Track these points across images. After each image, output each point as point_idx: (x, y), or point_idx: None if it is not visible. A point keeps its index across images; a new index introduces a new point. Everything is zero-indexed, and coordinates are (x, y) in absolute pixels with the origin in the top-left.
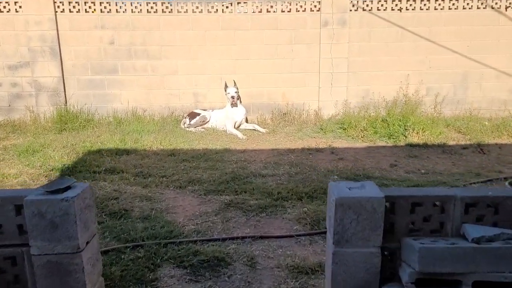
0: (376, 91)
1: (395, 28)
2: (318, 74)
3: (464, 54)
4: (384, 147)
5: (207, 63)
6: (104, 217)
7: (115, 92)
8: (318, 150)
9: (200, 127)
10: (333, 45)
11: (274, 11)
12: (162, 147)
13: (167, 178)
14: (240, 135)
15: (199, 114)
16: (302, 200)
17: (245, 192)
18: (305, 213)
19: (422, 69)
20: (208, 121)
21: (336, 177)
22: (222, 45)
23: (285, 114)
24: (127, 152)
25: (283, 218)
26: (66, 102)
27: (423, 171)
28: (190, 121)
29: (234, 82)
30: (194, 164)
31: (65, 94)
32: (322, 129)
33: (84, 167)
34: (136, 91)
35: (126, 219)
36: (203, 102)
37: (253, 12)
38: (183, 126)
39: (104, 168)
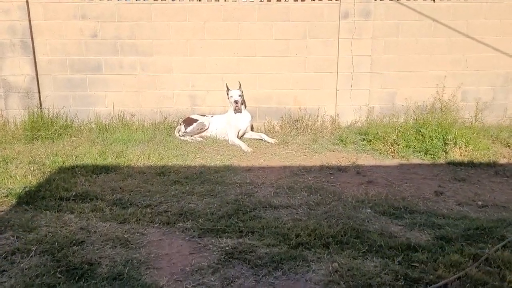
0: (404, 95)
1: (427, 21)
2: (336, 74)
3: (507, 52)
4: (420, 165)
5: (206, 60)
6: (59, 275)
7: (99, 93)
8: (340, 168)
9: (198, 135)
10: (354, 41)
11: (286, 0)
12: (150, 162)
13: (152, 208)
14: (244, 146)
15: (196, 121)
16: (329, 248)
17: (253, 233)
18: (337, 272)
19: (457, 70)
20: (206, 129)
21: (369, 210)
22: (224, 39)
23: (297, 121)
24: (107, 169)
25: (306, 281)
26: (40, 105)
27: (479, 202)
28: (185, 129)
29: (240, 84)
30: (187, 187)
31: (39, 96)
32: (341, 140)
33: (49, 192)
34: (123, 93)
35: (88, 280)
36: (201, 106)
37: (261, 1)
38: (177, 135)
39: (74, 193)
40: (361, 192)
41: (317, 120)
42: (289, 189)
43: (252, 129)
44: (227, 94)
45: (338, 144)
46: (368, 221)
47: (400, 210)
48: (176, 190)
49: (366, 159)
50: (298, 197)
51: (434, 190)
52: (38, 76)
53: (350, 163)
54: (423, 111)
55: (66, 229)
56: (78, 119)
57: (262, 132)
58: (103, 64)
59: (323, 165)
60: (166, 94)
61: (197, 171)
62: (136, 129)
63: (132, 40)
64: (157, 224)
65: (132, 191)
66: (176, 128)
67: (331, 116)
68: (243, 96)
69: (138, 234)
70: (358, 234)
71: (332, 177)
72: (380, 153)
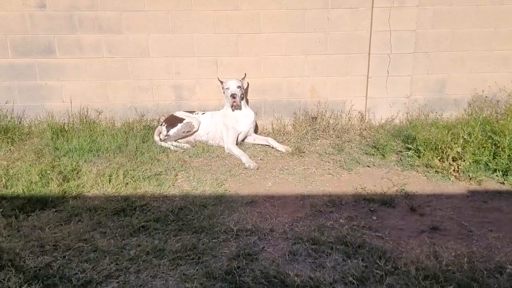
0: (457, 83)
1: None
2: (368, 56)
3: None
4: (500, 194)
5: (195, 39)
6: None
7: (52, 83)
8: (384, 200)
9: (184, 140)
10: (393, 10)
11: None
12: (110, 189)
13: None
14: (245, 159)
15: (182, 120)
16: None
17: None
18: None
19: None
20: (196, 131)
21: None
22: (217, 10)
23: (315, 118)
24: (45, 202)
25: None
26: None
27: None
28: (168, 131)
29: (245, 75)
30: (156, 241)
31: None
32: (377, 148)
33: None
34: (85, 83)
35: None
36: (189, 100)
37: None
38: (157, 139)
39: None
40: (424, 252)
41: (342, 117)
42: (312, 245)
43: (256, 130)
44: (222, 84)
45: (373, 154)
46: None
47: None
48: (138, 247)
49: (418, 182)
50: (329, 264)
51: None
52: None
53: (396, 189)
54: (483, 104)
55: None
56: (27, 117)
57: (269, 136)
58: (56, 45)
59: (358, 193)
60: (142, 84)
61: (175, 207)
62: (103, 131)
63: (93, 12)
64: None
65: (69, 250)
66: (156, 130)
67: (359, 112)
68: (243, 88)
69: None
70: None
71: (375, 218)
72: (436, 171)
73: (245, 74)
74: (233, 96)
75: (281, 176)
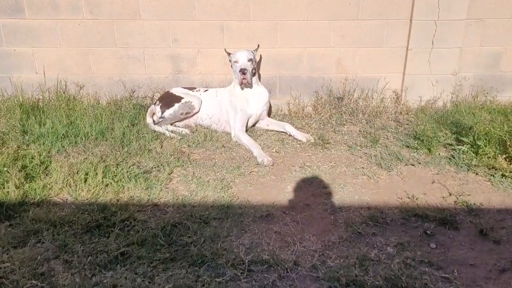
0: None
1: None
2: (409, 23)
3: None
4: None
5: None
6: None
7: (22, 50)
8: (442, 218)
9: (183, 123)
10: None
11: None
12: (85, 193)
13: None
14: (257, 152)
15: (179, 99)
16: None
17: None
18: None
19: None
20: (196, 112)
21: None
22: None
23: (342, 98)
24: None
25: None
26: None
27: None
28: (162, 112)
29: (258, 46)
30: (138, 279)
31: None
32: (420, 139)
33: None
34: (63, 50)
35: None
36: (188, 73)
37: None
38: (150, 121)
39: None
40: None
41: (373, 98)
42: None
43: (269, 113)
44: (230, 59)
45: (416, 148)
46: None
47: None
48: None
49: (481, 190)
50: None
51: None
52: None
53: (455, 201)
54: None
55: None
56: None
57: (284, 120)
58: (25, 2)
59: (405, 204)
60: (132, 53)
61: (167, 222)
62: (85, 110)
63: None
64: None
65: None
66: (149, 110)
67: (394, 91)
68: (255, 61)
69: None
70: None
71: (434, 246)
72: (503, 175)
73: (258, 45)
74: (242, 71)
75: (302, 176)
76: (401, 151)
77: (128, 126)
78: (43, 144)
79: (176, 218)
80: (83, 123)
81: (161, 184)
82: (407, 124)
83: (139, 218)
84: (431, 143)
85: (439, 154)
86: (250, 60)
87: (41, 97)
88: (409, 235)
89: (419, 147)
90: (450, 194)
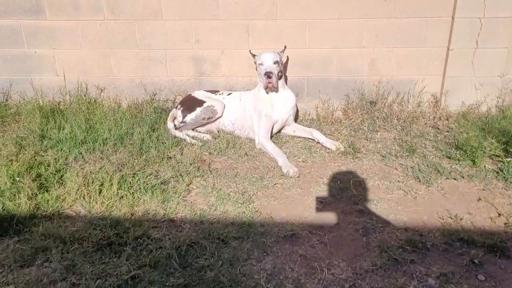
0: None
1: None
2: (450, 20)
3: None
4: None
5: None
6: None
7: (43, 52)
8: (490, 244)
9: (204, 129)
10: None
11: None
12: (99, 206)
13: None
14: (282, 161)
15: (201, 103)
16: None
17: None
18: None
19: None
20: (219, 117)
21: None
22: None
23: (375, 102)
24: (7, 224)
25: None
26: None
27: None
28: (184, 117)
29: (284, 48)
30: None
31: None
32: (461, 149)
33: None
34: (84, 52)
35: None
36: (211, 75)
37: None
38: (171, 126)
39: None
40: None
41: (409, 102)
42: None
43: (296, 118)
44: (255, 61)
45: (458, 159)
46: None
47: None
48: None
49: None
50: None
51: None
52: None
53: (505, 223)
54: None
55: None
56: (15, 93)
57: (312, 126)
58: (46, 2)
59: (447, 226)
60: (153, 55)
61: (182, 241)
62: (105, 114)
63: None
64: None
65: None
66: (170, 114)
67: (433, 95)
68: (282, 64)
69: None
70: None
71: (483, 279)
72: None
73: (285, 46)
74: (267, 75)
75: (331, 190)
76: (441, 163)
77: (147, 132)
78: (61, 150)
79: (193, 237)
80: (102, 128)
81: (178, 197)
82: (448, 132)
83: (153, 236)
84: (476, 154)
85: (485, 166)
86: (276, 62)
87: (62, 100)
88: (453, 264)
89: (461, 158)
90: (499, 215)
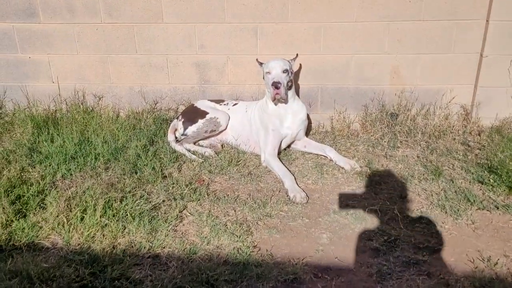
0: None
1: None
2: (485, 24)
3: None
4: None
5: None
6: None
7: (38, 57)
8: None
9: (207, 142)
10: None
11: None
12: (77, 237)
13: None
14: (289, 183)
15: (204, 114)
16: None
17: None
18: None
19: None
20: (223, 130)
21: None
22: None
23: (396, 115)
24: None
25: None
26: None
27: None
28: (185, 129)
29: (296, 56)
30: None
31: None
32: (495, 172)
33: None
34: (80, 57)
35: None
36: (217, 83)
37: None
38: (171, 138)
39: None
40: None
41: (435, 114)
42: None
43: (308, 131)
44: (262, 70)
45: (492, 185)
46: None
47: None
48: None
49: None
50: None
51: None
52: None
53: None
54: None
55: None
56: (9, 101)
57: (326, 144)
58: (39, 4)
59: (478, 274)
60: (154, 61)
61: (164, 286)
62: (101, 125)
63: None
64: None
65: None
66: (171, 125)
67: (463, 107)
68: (292, 73)
69: None
70: None
71: None
72: None
73: (297, 54)
74: (275, 85)
75: (342, 220)
76: (472, 189)
77: (145, 146)
78: (49, 165)
79: (178, 279)
80: (97, 140)
81: (168, 226)
82: (479, 149)
83: (134, 277)
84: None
85: None
86: (285, 71)
87: (58, 108)
88: None
89: (495, 183)
90: None
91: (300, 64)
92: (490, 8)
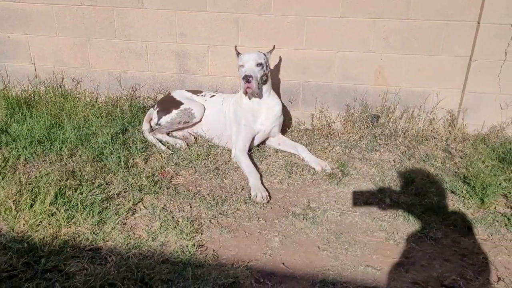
0: None
1: None
2: (475, 26)
3: None
4: None
5: None
6: None
7: (17, 37)
8: None
9: (181, 134)
10: None
11: None
12: (22, 223)
13: None
14: (253, 181)
15: (179, 105)
16: None
17: None
18: None
19: None
20: (197, 122)
21: None
22: None
23: (378, 117)
24: None
25: None
26: None
27: None
28: (159, 119)
29: (273, 48)
30: None
31: None
32: (469, 183)
33: None
34: (59, 39)
35: None
36: (196, 73)
37: None
38: (145, 128)
39: None
40: None
41: (420, 118)
42: None
43: (287, 128)
44: (238, 58)
45: (464, 196)
46: None
47: None
48: None
49: None
50: None
51: None
52: None
53: None
54: None
55: None
56: None
57: (299, 144)
58: None
59: None
60: (133, 47)
61: (96, 281)
62: (75, 109)
63: None
64: None
65: None
66: (147, 114)
67: (449, 112)
68: (266, 66)
69: None
70: None
71: None
72: None
73: (274, 46)
74: (246, 79)
75: (299, 224)
76: (441, 200)
77: (116, 134)
78: (15, 149)
79: (112, 276)
80: (68, 125)
81: (118, 218)
82: (461, 157)
83: (67, 270)
84: (486, 192)
85: (495, 208)
86: (259, 64)
87: (36, 90)
88: None
89: (467, 194)
90: (499, 279)
91: (280, 57)
92: (481, 10)
